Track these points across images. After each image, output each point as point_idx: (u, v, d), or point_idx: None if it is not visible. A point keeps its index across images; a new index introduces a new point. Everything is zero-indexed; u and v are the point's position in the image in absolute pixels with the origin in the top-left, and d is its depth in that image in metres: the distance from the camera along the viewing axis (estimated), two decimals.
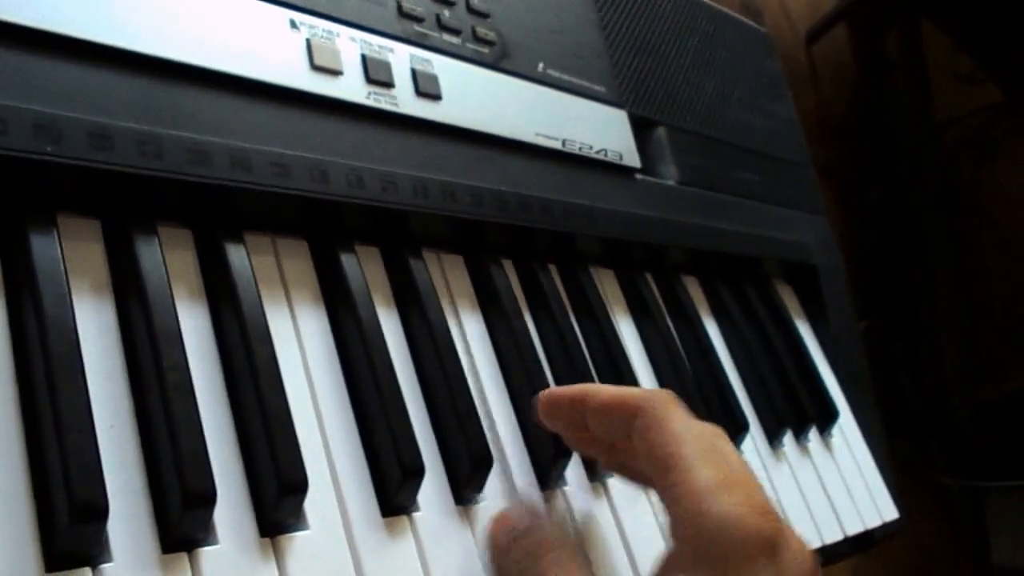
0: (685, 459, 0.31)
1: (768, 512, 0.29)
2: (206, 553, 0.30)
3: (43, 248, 0.31)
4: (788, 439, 0.55)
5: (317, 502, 0.34)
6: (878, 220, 1.53)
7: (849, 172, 1.55)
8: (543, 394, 0.38)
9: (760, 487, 0.31)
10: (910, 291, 1.47)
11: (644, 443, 0.33)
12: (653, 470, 0.32)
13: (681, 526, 0.30)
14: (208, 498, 0.30)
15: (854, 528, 0.55)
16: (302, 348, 0.38)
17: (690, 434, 0.32)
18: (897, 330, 1.45)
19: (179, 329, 0.33)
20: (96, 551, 0.29)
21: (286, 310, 0.38)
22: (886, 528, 0.58)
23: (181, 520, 0.30)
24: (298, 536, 0.32)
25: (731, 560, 0.28)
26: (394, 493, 0.35)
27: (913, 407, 1.47)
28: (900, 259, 1.49)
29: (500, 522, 0.37)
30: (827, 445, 0.58)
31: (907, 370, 1.46)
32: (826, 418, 0.59)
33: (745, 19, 0.76)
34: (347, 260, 0.40)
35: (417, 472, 0.35)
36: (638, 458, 0.34)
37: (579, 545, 0.41)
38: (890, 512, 0.59)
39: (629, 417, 0.34)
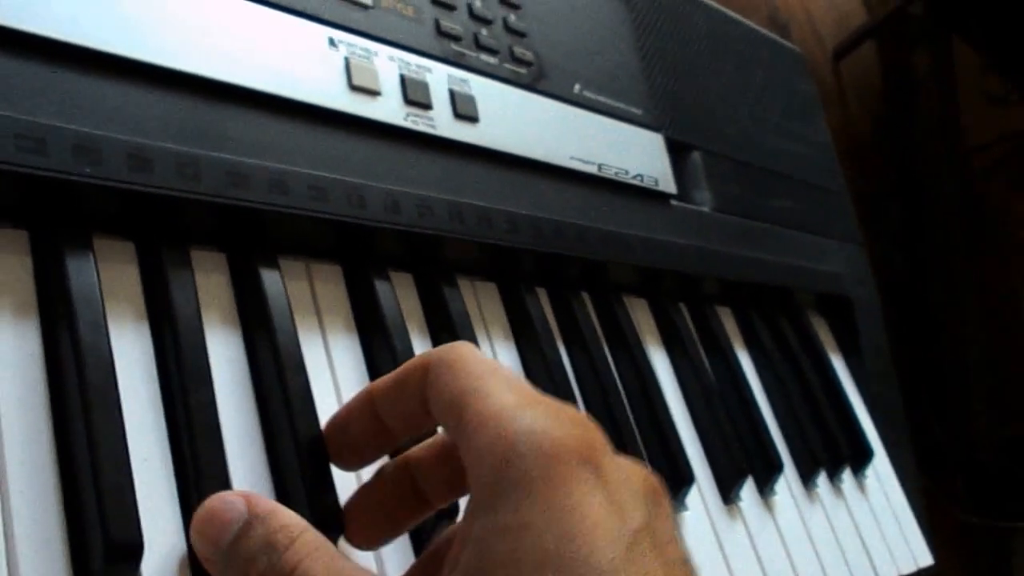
0: (481, 389, 0.26)
1: (585, 422, 0.25)
2: None
3: (80, 271, 0.31)
4: (822, 480, 0.54)
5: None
6: (899, 243, 1.52)
7: (872, 192, 1.54)
8: (325, 426, 0.32)
9: (573, 408, 0.26)
10: (934, 321, 1.45)
11: (435, 391, 0.27)
12: (450, 416, 0.26)
13: (478, 462, 0.24)
14: None
15: (888, 574, 0.54)
16: (335, 377, 0.37)
17: (486, 368, 0.27)
18: (920, 361, 1.43)
19: (208, 365, 0.32)
20: None
21: (319, 338, 0.37)
22: (919, 574, 0.56)
23: None
24: None
25: (544, 477, 0.23)
26: (427, 532, 0.34)
27: (937, 441, 1.45)
28: (923, 286, 1.48)
29: (207, 517, 0.28)
30: (861, 486, 0.57)
31: (931, 402, 1.44)
32: (861, 457, 0.58)
33: (780, 39, 0.75)
34: (382, 287, 0.39)
35: (451, 513, 0.34)
36: (434, 416, 0.28)
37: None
38: (925, 557, 0.58)
39: (421, 374, 0.28)
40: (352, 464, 0.32)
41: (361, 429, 0.31)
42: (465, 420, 0.25)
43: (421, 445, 0.31)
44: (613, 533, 0.22)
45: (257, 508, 0.27)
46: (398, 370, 0.30)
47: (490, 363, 0.27)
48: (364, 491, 0.32)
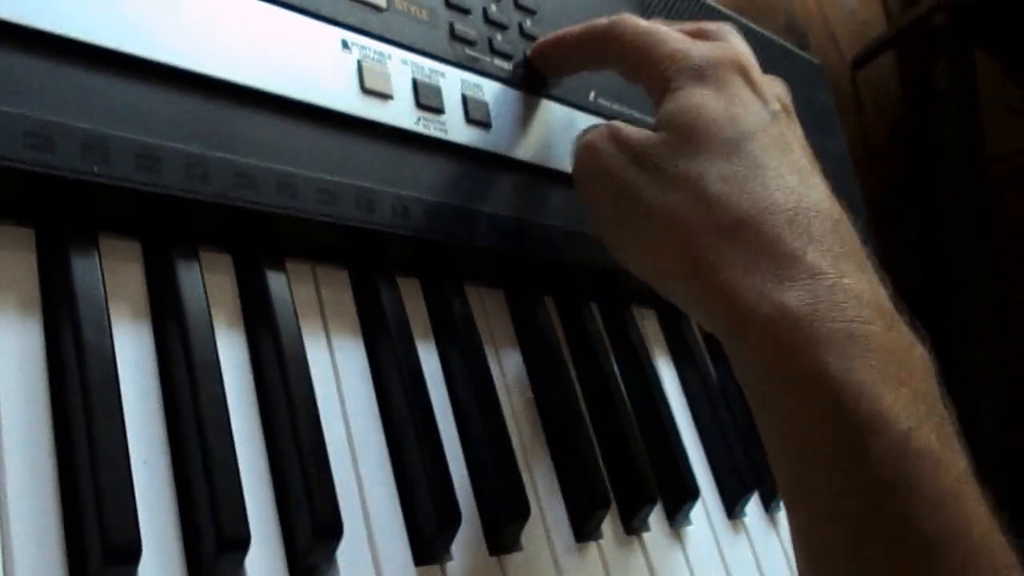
0: (655, 33, 0.40)
1: (737, 48, 0.40)
2: None
3: (84, 270, 0.30)
4: None
5: (349, 547, 0.32)
6: (915, 254, 1.50)
7: (888, 203, 1.53)
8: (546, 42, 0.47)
9: (728, 43, 0.40)
10: (946, 329, 1.44)
11: (614, 45, 0.42)
12: (632, 58, 0.41)
13: (656, 78, 0.39)
14: (242, 542, 0.29)
15: None
16: (339, 382, 0.37)
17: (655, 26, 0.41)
18: None
19: (218, 361, 0.32)
20: None
21: (324, 341, 0.37)
22: None
23: (214, 563, 0.29)
24: None
25: (713, 75, 0.37)
26: (429, 541, 0.34)
27: None
28: (936, 296, 1.46)
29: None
30: None
31: None
32: None
33: (798, 50, 0.75)
34: (387, 293, 0.39)
35: (453, 521, 0.34)
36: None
37: None
38: None
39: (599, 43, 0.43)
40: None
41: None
42: (648, 58, 0.39)
43: None
44: (759, 108, 0.37)
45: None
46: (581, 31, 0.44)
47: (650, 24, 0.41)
48: None
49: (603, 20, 0.42)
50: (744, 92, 0.37)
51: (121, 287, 0.32)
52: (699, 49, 0.38)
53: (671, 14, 0.62)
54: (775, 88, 0.39)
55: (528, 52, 0.47)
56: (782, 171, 0.35)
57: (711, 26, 0.42)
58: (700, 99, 0.36)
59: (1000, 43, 1.47)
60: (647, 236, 0.36)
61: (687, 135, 0.36)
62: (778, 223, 0.33)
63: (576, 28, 0.44)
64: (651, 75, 0.39)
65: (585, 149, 0.39)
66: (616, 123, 0.40)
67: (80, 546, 0.28)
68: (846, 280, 0.32)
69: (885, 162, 1.59)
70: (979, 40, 1.48)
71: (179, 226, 0.34)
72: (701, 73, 0.37)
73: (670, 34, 0.40)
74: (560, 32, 0.46)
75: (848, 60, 1.62)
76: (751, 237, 0.32)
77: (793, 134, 0.38)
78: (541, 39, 0.47)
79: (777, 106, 0.38)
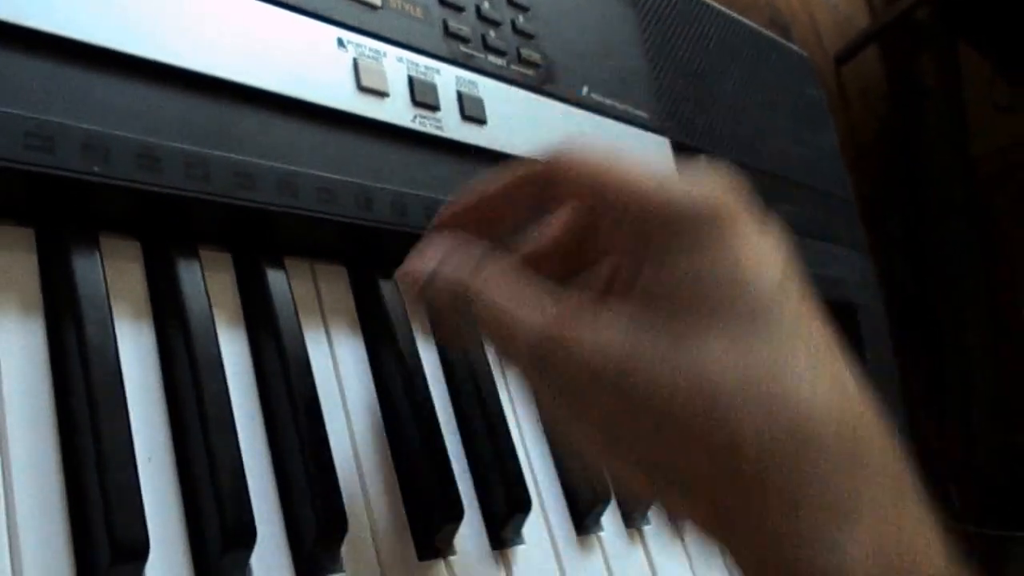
0: (619, 166, 0.28)
1: (728, 183, 0.27)
2: None
3: (86, 270, 0.31)
4: None
5: (352, 541, 0.33)
6: (902, 251, 1.52)
7: (874, 199, 1.54)
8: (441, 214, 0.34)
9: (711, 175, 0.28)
10: (936, 326, 1.45)
11: (571, 176, 0.29)
12: (593, 192, 0.29)
13: (643, 219, 0.27)
14: (248, 538, 0.29)
15: None
16: (339, 378, 0.37)
17: (623, 154, 0.29)
18: (920, 369, 1.43)
19: (221, 359, 0.32)
20: None
21: (323, 338, 0.37)
22: None
23: (220, 560, 0.29)
24: None
25: (712, 222, 0.26)
26: (432, 535, 0.34)
27: (931, 448, 1.44)
28: (926, 293, 1.47)
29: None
30: None
31: (930, 409, 1.44)
32: None
33: (788, 43, 0.75)
34: (387, 289, 0.39)
35: (456, 515, 0.34)
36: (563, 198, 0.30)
37: None
38: None
39: (531, 184, 0.31)
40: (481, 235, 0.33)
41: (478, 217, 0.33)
42: (610, 198, 0.28)
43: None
44: (773, 261, 0.26)
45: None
46: (501, 184, 0.32)
47: (611, 151, 0.29)
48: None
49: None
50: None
51: (123, 286, 0.32)
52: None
53: (662, 10, 0.62)
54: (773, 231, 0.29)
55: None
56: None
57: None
58: None
59: (985, 38, 1.48)
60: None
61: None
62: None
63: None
64: None
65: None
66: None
67: (87, 545, 0.28)
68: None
69: (871, 158, 1.60)
70: (964, 35, 1.49)
71: (179, 225, 0.34)
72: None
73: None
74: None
75: (831, 55, 1.63)
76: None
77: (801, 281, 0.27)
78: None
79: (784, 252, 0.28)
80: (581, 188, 0.29)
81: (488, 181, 0.32)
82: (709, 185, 0.27)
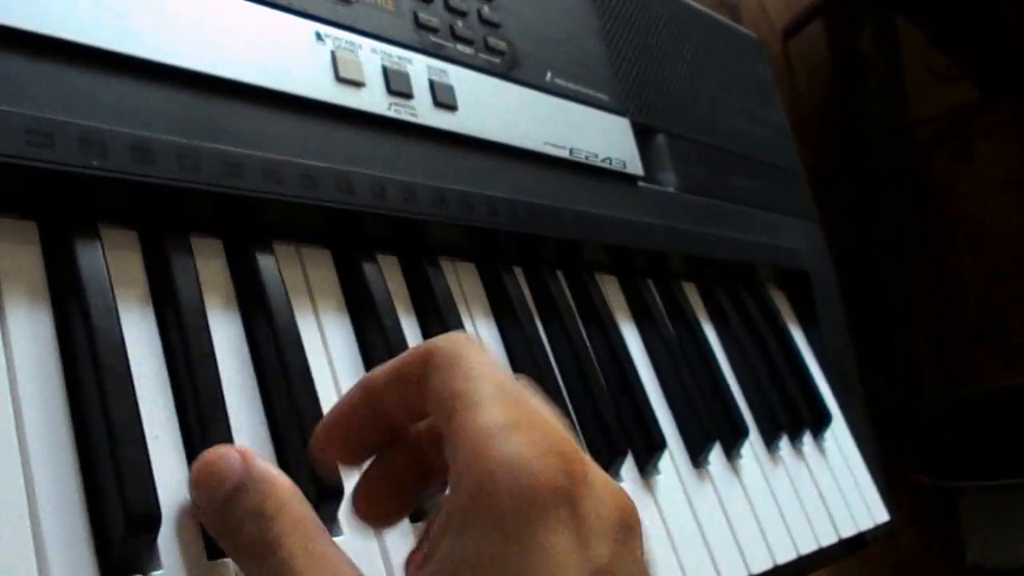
0: (471, 396, 0.26)
1: (566, 452, 0.24)
2: None
3: (89, 260, 0.32)
4: (784, 443, 0.58)
5: (354, 536, 0.35)
6: (848, 217, 1.57)
7: (821, 168, 1.59)
8: (322, 427, 0.31)
9: (562, 431, 0.25)
10: (883, 289, 1.51)
11: (431, 387, 0.27)
12: (441, 417, 0.26)
13: (459, 477, 0.24)
14: None
15: (848, 531, 0.58)
16: (330, 355, 0.39)
17: (482, 371, 0.27)
18: (870, 328, 1.49)
19: (212, 345, 0.34)
20: (148, 559, 0.30)
21: (313, 318, 0.39)
22: (876, 530, 0.60)
23: None
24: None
25: (517, 515, 0.23)
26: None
27: (885, 405, 1.51)
28: (872, 257, 1.53)
29: (206, 469, 0.29)
30: (821, 449, 0.61)
31: (880, 368, 1.50)
32: (820, 422, 0.61)
33: (737, 25, 0.78)
34: (370, 270, 0.41)
35: None
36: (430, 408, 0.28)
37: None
38: (881, 514, 0.61)
39: (420, 367, 0.28)
40: (357, 459, 0.31)
41: (361, 423, 0.30)
42: (452, 428, 0.25)
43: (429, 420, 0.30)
44: (576, 574, 0.23)
45: (252, 469, 0.28)
46: (396, 361, 0.29)
47: (486, 363, 0.27)
48: (374, 467, 0.31)
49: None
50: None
51: (124, 274, 0.34)
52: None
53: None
54: (605, 512, 0.24)
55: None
56: None
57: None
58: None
59: (920, 10, 1.53)
60: None
61: None
62: None
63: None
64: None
65: None
66: None
67: (103, 518, 0.29)
68: None
69: (818, 129, 1.65)
70: (900, 8, 1.54)
71: (174, 214, 0.35)
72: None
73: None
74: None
75: (778, 32, 1.67)
76: None
77: None
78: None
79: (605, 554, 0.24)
80: (435, 397, 0.27)
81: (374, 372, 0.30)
82: (549, 451, 0.24)
